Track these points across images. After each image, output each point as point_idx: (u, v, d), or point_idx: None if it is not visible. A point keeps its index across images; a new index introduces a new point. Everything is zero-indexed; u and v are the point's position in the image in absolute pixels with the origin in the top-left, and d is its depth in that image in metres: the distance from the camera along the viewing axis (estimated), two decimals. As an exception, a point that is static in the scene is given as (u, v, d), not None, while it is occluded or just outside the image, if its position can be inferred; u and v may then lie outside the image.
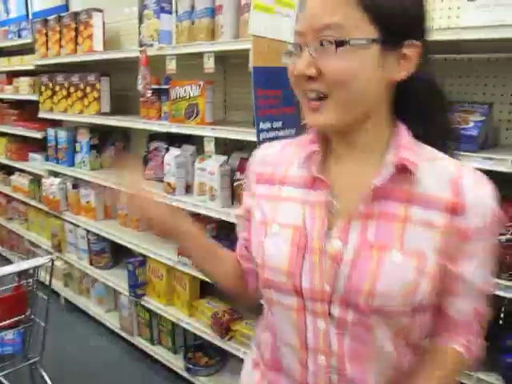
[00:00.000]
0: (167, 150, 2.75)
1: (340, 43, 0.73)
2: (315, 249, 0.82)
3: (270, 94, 1.77)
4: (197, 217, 2.50)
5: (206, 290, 2.72)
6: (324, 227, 0.82)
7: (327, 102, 0.77)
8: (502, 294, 1.48)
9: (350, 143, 0.84)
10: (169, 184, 2.57)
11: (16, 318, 2.12)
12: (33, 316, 2.20)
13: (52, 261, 2.13)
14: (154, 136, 3.01)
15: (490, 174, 0.82)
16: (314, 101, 0.79)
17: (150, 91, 2.60)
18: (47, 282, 2.19)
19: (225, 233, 2.50)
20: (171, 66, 2.39)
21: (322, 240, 0.82)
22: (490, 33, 1.39)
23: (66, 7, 4.03)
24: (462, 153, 1.52)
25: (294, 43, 0.80)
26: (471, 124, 1.63)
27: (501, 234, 1.49)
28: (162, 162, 2.67)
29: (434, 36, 1.48)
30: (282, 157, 0.95)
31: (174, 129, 2.47)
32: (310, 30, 0.76)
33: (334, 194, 0.84)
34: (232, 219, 2.27)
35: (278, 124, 1.81)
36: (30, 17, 4.56)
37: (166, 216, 0.98)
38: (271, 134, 1.80)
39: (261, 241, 0.90)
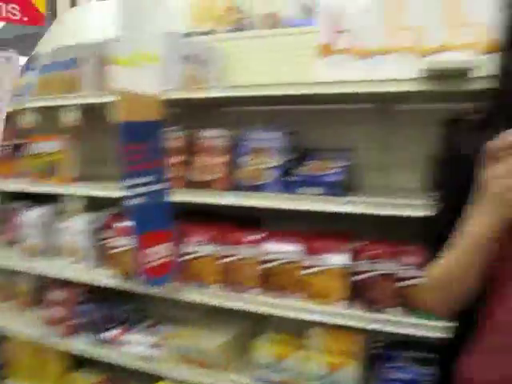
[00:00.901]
0: (27, 209, 2.49)
1: None
2: None
3: (137, 149, 1.70)
4: (63, 282, 2.27)
5: (79, 361, 2.45)
6: None
7: None
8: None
9: None
10: (29, 246, 2.32)
11: None
12: None
13: None
14: (8, 195, 2.72)
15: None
16: None
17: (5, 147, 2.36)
18: None
19: (99, 298, 2.28)
20: (28, 121, 2.21)
21: None
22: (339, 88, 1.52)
23: None
24: (328, 197, 1.62)
25: None
26: (334, 170, 1.73)
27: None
28: (21, 223, 2.42)
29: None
30: None
31: (33, 187, 2.26)
32: None
33: None
34: (104, 282, 2.10)
35: (150, 178, 1.74)
36: None
37: None
38: (142, 189, 1.72)
39: None
